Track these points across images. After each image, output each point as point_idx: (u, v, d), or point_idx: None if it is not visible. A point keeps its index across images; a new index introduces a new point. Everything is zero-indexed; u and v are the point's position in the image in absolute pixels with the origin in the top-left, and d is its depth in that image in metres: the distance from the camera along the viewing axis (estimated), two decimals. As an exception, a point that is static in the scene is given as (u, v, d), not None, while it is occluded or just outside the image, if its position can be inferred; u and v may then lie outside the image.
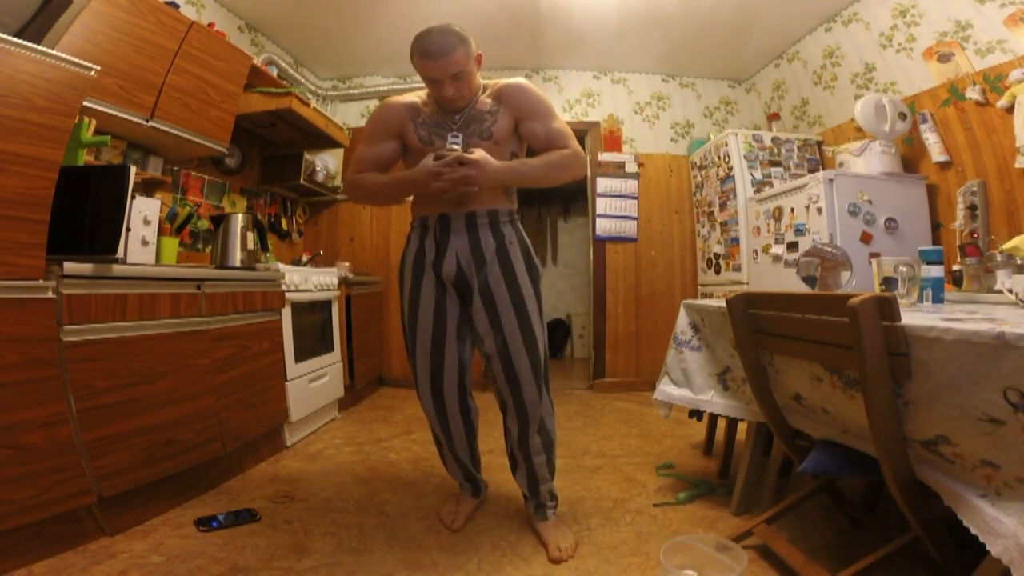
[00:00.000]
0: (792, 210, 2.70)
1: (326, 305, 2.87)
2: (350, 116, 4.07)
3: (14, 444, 1.26)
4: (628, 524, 1.59)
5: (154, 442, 1.60)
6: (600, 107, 4.00)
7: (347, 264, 3.33)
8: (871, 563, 1.09)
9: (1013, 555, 0.73)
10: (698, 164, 3.77)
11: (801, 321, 1.11)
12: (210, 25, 2.53)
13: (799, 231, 2.63)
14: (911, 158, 2.69)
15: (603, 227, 3.87)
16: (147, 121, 2.06)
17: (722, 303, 1.49)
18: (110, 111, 1.90)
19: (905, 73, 2.66)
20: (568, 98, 4.01)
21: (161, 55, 2.10)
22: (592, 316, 3.92)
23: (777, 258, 2.80)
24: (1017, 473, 0.76)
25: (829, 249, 1.74)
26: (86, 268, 1.44)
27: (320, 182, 3.60)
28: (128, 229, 1.64)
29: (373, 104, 4.07)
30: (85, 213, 1.57)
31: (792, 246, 2.68)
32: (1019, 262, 1.57)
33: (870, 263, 1.65)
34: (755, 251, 3.03)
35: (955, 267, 2.00)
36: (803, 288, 1.74)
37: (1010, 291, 1.52)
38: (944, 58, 2.44)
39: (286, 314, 2.38)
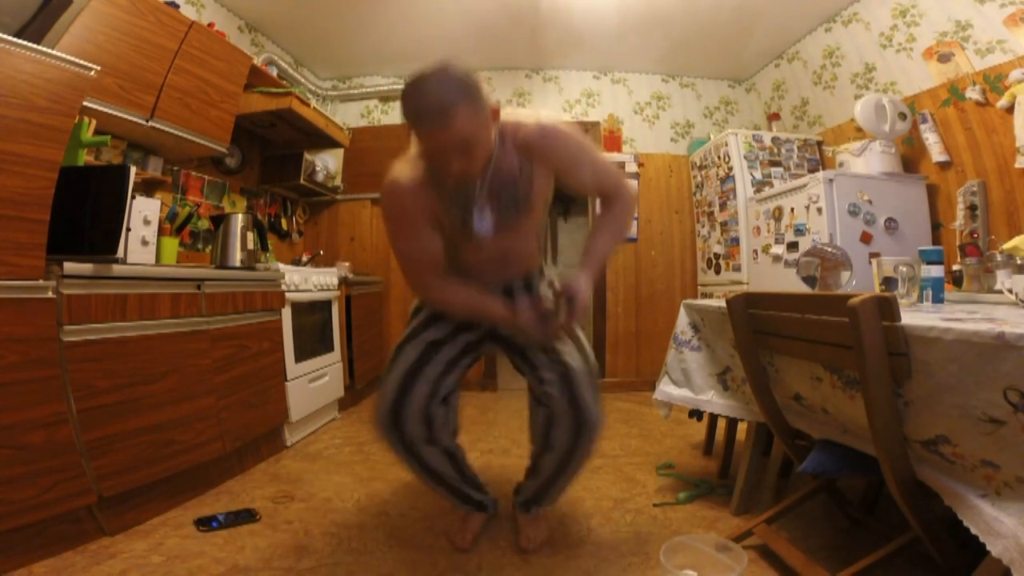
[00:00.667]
0: (792, 210, 2.70)
1: (326, 305, 2.87)
2: (350, 116, 4.06)
3: (14, 444, 1.26)
4: (628, 524, 1.59)
5: (154, 442, 1.60)
6: (600, 107, 4.00)
7: (347, 264, 3.32)
8: (871, 563, 1.09)
9: (1013, 555, 0.73)
10: (698, 164, 3.77)
11: (801, 321, 1.11)
12: (210, 25, 2.53)
13: (799, 231, 2.63)
14: (911, 158, 2.69)
15: (603, 227, 3.86)
16: (147, 121, 2.06)
17: (722, 303, 1.49)
18: (110, 111, 1.90)
19: (905, 73, 2.66)
20: (568, 98, 4.01)
21: (161, 55, 2.10)
22: (592, 316, 3.92)
23: (777, 258, 2.80)
24: (1017, 473, 0.76)
25: (829, 249, 1.74)
26: (86, 268, 1.44)
27: (320, 182, 3.60)
28: (128, 229, 1.64)
29: (373, 104, 4.07)
30: (85, 213, 1.57)
31: (792, 246, 2.68)
32: (1019, 262, 1.57)
33: (870, 263, 1.65)
34: (755, 251, 3.03)
35: (955, 267, 2.00)
36: (803, 288, 1.74)
37: (1010, 291, 1.52)
38: (944, 58, 2.44)
39: (286, 314, 2.38)
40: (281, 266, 2.45)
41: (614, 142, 3.94)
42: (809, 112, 3.45)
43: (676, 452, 2.30)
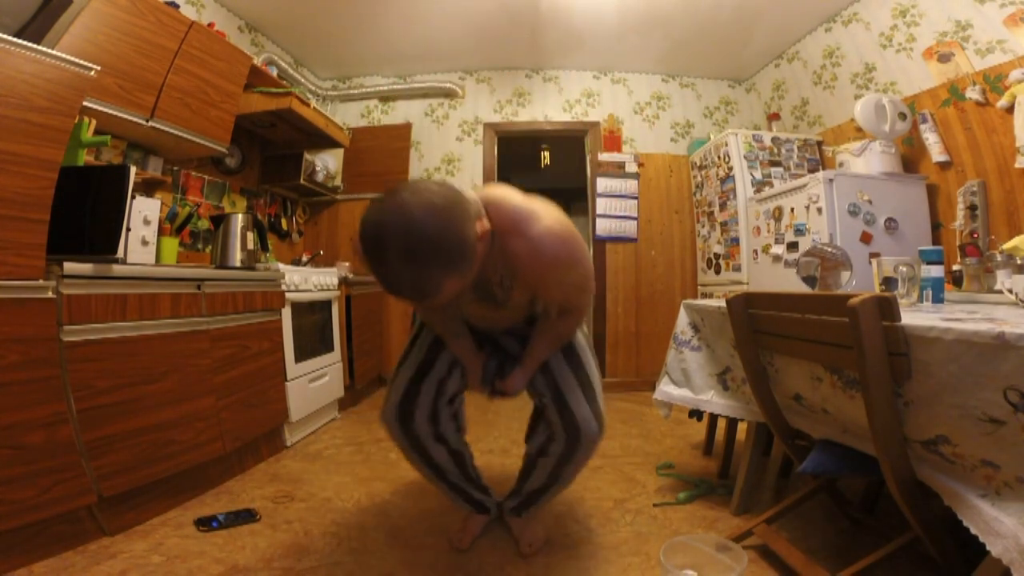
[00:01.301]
0: (792, 210, 2.70)
1: (326, 305, 2.87)
2: (350, 116, 4.07)
3: (14, 444, 1.26)
4: (628, 524, 1.59)
5: (154, 442, 1.60)
6: (600, 107, 4.00)
7: (347, 264, 3.32)
8: (871, 563, 1.09)
9: (1013, 555, 0.73)
10: (698, 164, 3.77)
11: (801, 321, 1.11)
12: (210, 25, 2.53)
13: (799, 231, 2.63)
14: (911, 158, 2.69)
15: (603, 227, 3.87)
16: (147, 121, 2.06)
17: (722, 303, 1.49)
18: (110, 111, 1.90)
19: (905, 73, 2.66)
20: (568, 98, 4.01)
21: (161, 55, 2.10)
22: (592, 316, 3.92)
23: (777, 258, 2.80)
24: (1017, 473, 0.76)
25: (829, 249, 1.74)
26: (86, 268, 1.44)
27: (320, 182, 3.60)
28: (128, 229, 1.64)
29: (373, 104, 4.07)
30: (85, 213, 1.57)
31: (792, 246, 2.68)
32: (1019, 262, 1.57)
33: (870, 263, 1.65)
34: (755, 251, 3.03)
35: (955, 267, 2.00)
36: (803, 288, 1.74)
37: (1010, 291, 1.52)
38: (944, 58, 2.44)
39: (286, 314, 2.38)
40: (281, 266, 2.45)
41: (614, 142, 3.94)
42: (809, 112, 3.45)
43: (676, 452, 2.30)
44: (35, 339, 1.31)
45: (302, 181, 3.36)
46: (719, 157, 3.39)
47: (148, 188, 2.36)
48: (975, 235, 2.24)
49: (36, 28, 1.75)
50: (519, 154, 5.27)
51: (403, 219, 0.81)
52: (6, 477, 1.24)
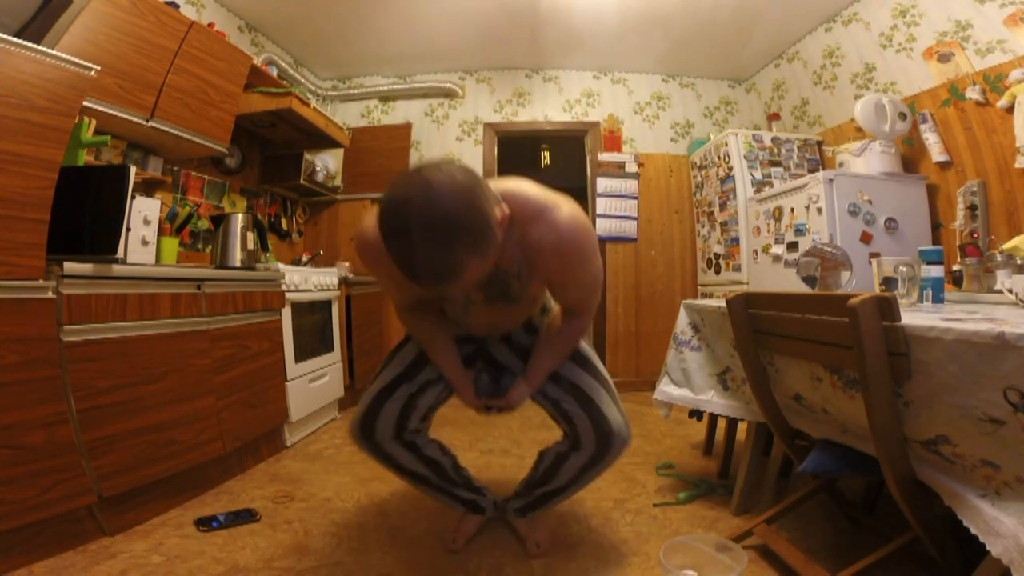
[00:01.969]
0: (792, 210, 2.70)
1: (326, 305, 2.86)
2: (350, 116, 4.06)
3: (14, 444, 1.26)
4: (628, 524, 1.59)
5: (154, 442, 1.60)
6: (600, 107, 4.00)
7: (347, 264, 3.32)
8: (871, 563, 1.09)
9: (1013, 555, 0.73)
10: (698, 164, 3.77)
11: (801, 321, 1.11)
12: (210, 25, 2.53)
13: (799, 231, 2.63)
14: (911, 158, 2.69)
15: (603, 227, 3.87)
16: (147, 121, 2.06)
17: (722, 303, 1.49)
18: (110, 111, 1.90)
19: (905, 73, 2.66)
20: (568, 98, 4.01)
21: (161, 55, 2.10)
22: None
23: (777, 258, 2.80)
24: (1017, 473, 0.76)
25: (829, 249, 1.74)
26: (86, 268, 1.44)
27: (320, 182, 3.60)
28: (128, 229, 1.64)
29: (373, 104, 4.07)
30: (85, 213, 1.57)
31: (792, 246, 2.68)
32: (1019, 262, 1.57)
33: (870, 263, 1.65)
34: (755, 251, 3.03)
35: (955, 267, 2.00)
36: (803, 288, 1.74)
37: (1010, 291, 1.52)
38: (944, 58, 2.44)
39: (286, 314, 2.38)
40: (281, 266, 2.45)
41: (614, 142, 3.94)
42: (809, 112, 3.45)
43: (676, 452, 2.30)
44: (35, 339, 1.31)
45: (302, 181, 3.36)
46: (719, 157, 3.39)
47: (148, 188, 2.36)
48: (975, 235, 2.24)
49: (36, 28, 1.75)
50: (519, 154, 5.27)
51: (427, 195, 0.78)
52: (6, 477, 1.24)
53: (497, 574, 1.32)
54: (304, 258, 3.54)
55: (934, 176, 2.55)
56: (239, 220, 2.26)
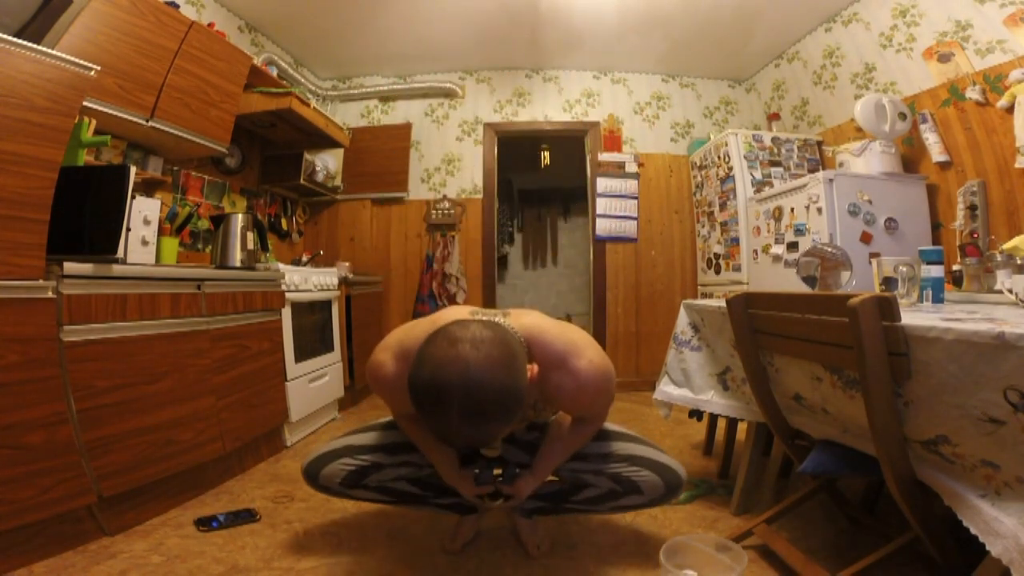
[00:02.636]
0: (792, 210, 2.70)
1: (326, 305, 2.86)
2: (350, 116, 4.07)
3: (14, 444, 1.26)
4: (628, 524, 1.59)
5: (154, 442, 1.60)
6: (600, 107, 4.00)
7: (347, 264, 3.32)
8: (871, 563, 1.09)
9: (1013, 555, 0.73)
10: (698, 164, 3.77)
11: (801, 321, 1.11)
12: (210, 25, 2.53)
13: (799, 231, 2.63)
14: (911, 158, 2.69)
15: (603, 227, 3.87)
16: (147, 121, 2.06)
17: (722, 303, 1.49)
18: (110, 111, 1.90)
19: (905, 73, 2.66)
20: (568, 98, 4.01)
21: (161, 55, 2.10)
22: (592, 316, 3.92)
23: (777, 258, 2.80)
24: (1017, 473, 0.76)
25: (829, 249, 1.74)
26: (86, 268, 1.44)
27: (320, 182, 3.60)
28: (128, 229, 1.64)
29: (373, 104, 4.07)
30: (85, 213, 1.57)
31: (792, 246, 2.68)
32: (1019, 262, 1.57)
33: (870, 263, 1.65)
34: (755, 251, 3.03)
35: (955, 267, 2.00)
36: (803, 288, 1.74)
37: (1010, 291, 1.52)
38: (944, 58, 2.44)
39: (286, 314, 2.38)
40: (281, 266, 2.45)
41: (614, 142, 3.94)
42: (809, 112, 3.45)
43: (676, 452, 2.30)
44: (35, 339, 1.31)
45: (302, 181, 3.36)
46: (719, 157, 3.39)
47: (148, 188, 2.36)
48: (975, 235, 2.24)
49: (36, 28, 1.75)
50: (519, 154, 5.27)
51: (465, 382, 0.81)
52: (6, 477, 1.24)
53: (497, 574, 1.32)
54: (304, 258, 3.54)
55: (934, 176, 2.55)
56: (239, 220, 2.26)
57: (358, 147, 3.93)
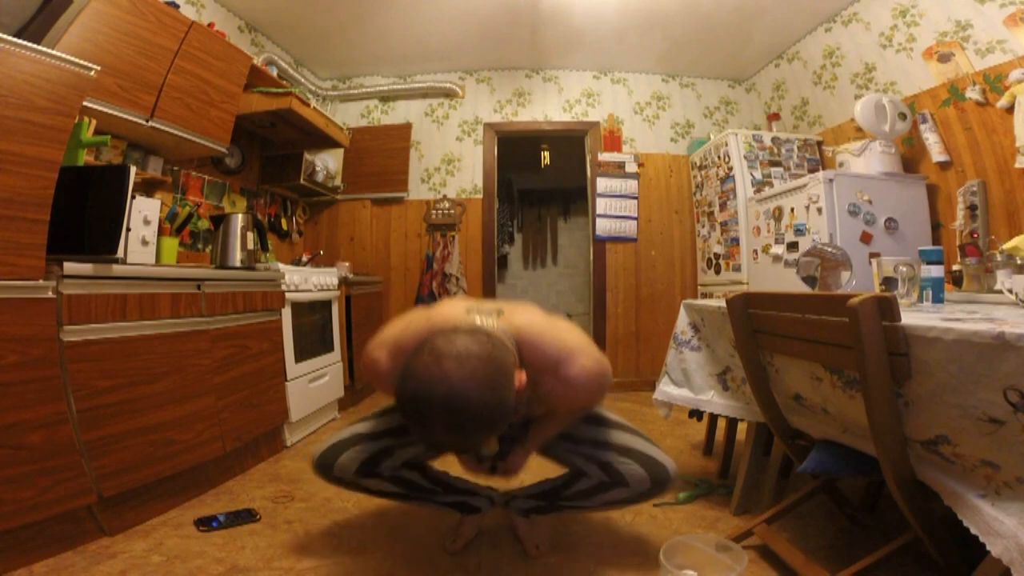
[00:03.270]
0: (792, 210, 2.70)
1: (326, 305, 2.86)
2: (350, 116, 4.07)
3: (14, 444, 1.26)
4: (628, 524, 1.59)
5: (154, 442, 1.60)
6: (600, 107, 4.00)
7: (347, 264, 3.32)
8: (871, 563, 1.09)
9: (1013, 555, 0.73)
10: (698, 164, 3.77)
11: (801, 321, 1.11)
12: (210, 25, 2.53)
13: (799, 231, 2.63)
14: (911, 158, 2.69)
15: (603, 227, 3.87)
16: (147, 121, 2.06)
17: (722, 303, 1.49)
18: (110, 111, 1.90)
19: (905, 73, 2.66)
20: (568, 98, 4.01)
21: (161, 55, 2.10)
22: (592, 316, 3.92)
23: (777, 258, 2.80)
24: (1017, 473, 0.76)
25: (829, 249, 1.74)
26: (86, 268, 1.44)
27: (320, 182, 3.60)
28: (128, 229, 1.64)
29: (373, 104, 4.07)
30: (85, 213, 1.57)
31: (792, 246, 2.68)
32: (1019, 262, 1.57)
33: (870, 263, 1.65)
34: (755, 251, 3.03)
35: (955, 267, 2.00)
36: (803, 288, 1.74)
37: (1010, 291, 1.52)
38: (944, 58, 2.44)
39: (286, 314, 2.38)
40: (281, 266, 2.45)
41: (614, 142, 3.94)
42: (809, 112, 3.45)
43: (676, 452, 2.30)
44: (35, 339, 1.31)
45: (302, 181, 3.36)
46: (719, 157, 3.39)
47: (148, 188, 2.36)
48: (975, 235, 2.24)
49: (36, 28, 1.75)
50: (519, 154, 5.27)
51: (448, 400, 0.82)
52: (6, 477, 1.24)
53: (497, 574, 1.32)
54: (304, 258, 3.54)
55: (934, 176, 2.55)
56: (239, 220, 2.26)
57: (358, 147, 3.93)
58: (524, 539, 1.42)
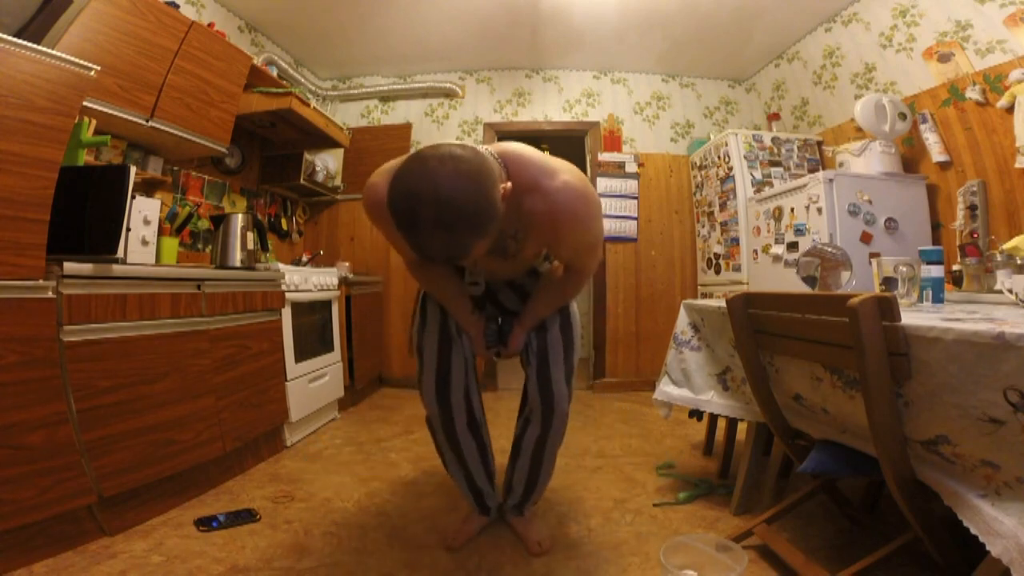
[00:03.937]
0: (792, 210, 2.70)
1: (326, 305, 2.87)
2: (350, 116, 4.07)
3: (14, 444, 1.26)
4: (628, 524, 1.59)
5: (154, 442, 1.60)
6: (600, 107, 4.00)
7: (347, 264, 3.33)
8: (871, 563, 1.09)
9: (1013, 555, 0.73)
10: (698, 164, 3.77)
11: (801, 321, 1.11)
12: (210, 25, 2.53)
13: (799, 231, 2.63)
14: (911, 158, 2.69)
15: (603, 227, 3.86)
16: (147, 121, 2.06)
17: (722, 303, 1.49)
18: (110, 111, 1.90)
19: (905, 73, 2.66)
20: (568, 98, 4.01)
21: (161, 55, 2.10)
22: (592, 316, 3.92)
23: (777, 258, 2.80)
24: (1017, 473, 0.76)
25: (829, 249, 1.74)
26: (86, 268, 1.44)
27: (320, 182, 3.60)
28: (128, 229, 1.64)
29: (373, 104, 4.07)
30: (85, 213, 1.57)
31: (792, 246, 2.68)
32: (1019, 262, 1.57)
33: (870, 263, 1.65)
34: (755, 251, 3.03)
35: (955, 267, 2.00)
36: (803, 288, 1.74)
37: (1010, 291, 1.52)
38: (944, 58, 2.44)
39: (286, 314, 2.38)
40: (281, 266, 2.45)
41: (614, 142, 3.94)
42: (809, 112, 3.45)
43: (676, 452, 2.30)
44: (35, 339, 1.31)
45: (302, 181, 3.36)
46: (719, 157, 3.39)
47: (148, 188, 2.36)
48: (975, 235, 2.24)
49: (36, 28, 1.75)
50: (519, 154, 5.27)
51: (434, 190, 0.82)
52: (6, 477, 1.24)
53: (497, 574, 1.32)
54: (304, 258, 3.54)
55: (934, 176, 2.55)
56: (239, 220, 2.26)
57: (358, 147, 3.93)
58: (525, 538, 1.44)
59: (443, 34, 3.44)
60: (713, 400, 1.71)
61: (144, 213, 2.03)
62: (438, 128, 4.00)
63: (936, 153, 2.48)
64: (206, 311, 1.86)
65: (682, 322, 1.87)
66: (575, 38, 3.49)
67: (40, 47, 1.38)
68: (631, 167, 3.92)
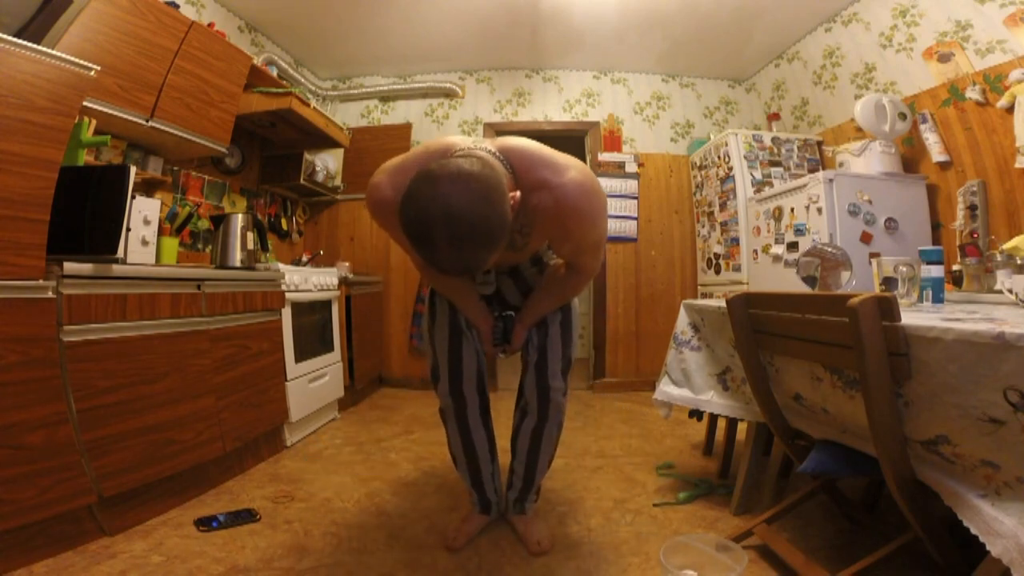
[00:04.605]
0: (792, 210, 2.70)
1: (326, 305, 2.87)
2: (350, 116, 4.07)
3: (14, 444, 1.26)
4: (628, 524, 1.59)
5: (154, 442, 1.60)
6: (600, 107, 4.00)
7: (347, 264, 3.32)
8: (871, 563, 1.09)
9: (1013, 555, 0.73)
10: (698, 164, 3.77)
11: (801, 321, 1.11)
12: (210, 25, 2.53)
13: (799, 231, 2.63)
14: (911, 158, 2.69)
15: (603, 227, 3.86)
16: (147, 121, 2.06)
17: (722, 303, 1.49)
18: (110, 111, 1.90)
19: (905, 73, 2.66)
20: (568, 98, 4.01)
21: (161, 55, 2.10)
22: (592, 316, 3.92)
23: (777, 258, 2.80)
24: (1017, 473, 0.76)
25: (829, 249, 1.74)
26: (86, 268, 1.44)
27: (320, 182, 3.60)
28: (128, 229, 1.64)
29: (373, 104, 4.07)
30: (85, 213, 1.57)
31: (792, 246, 2.68)
32: (1019, 262, 1.57)
33: (870, 263, 1.65)
34: (755, 251, 3.03)
35: (955, 267, 2.00)
36: (803, 288, 1.74)
37: (1010, 291, 1.52)
38: (944, 58, 2.44)
39: (286, 314, 2.38)
40: (281, 266, 2.45)
41: (614, 142, 3.94)
42: (809, 112, 3.45)
43: (676, 452, 2.30)
44: (35, 339, 1.31)
45: (302, 181, 3.36)
46: (719, 157, 3.39)
47: (148, 188, 2.36)
48: (975, 235, 2.24)
49: (36, 28, 1.75)
50: (519, 154, 5.27)
51: (446, 212, 0.85)
52: (6, 477, 1.24)
53: (497, 574, 1.32)
54: (304, 258, 3.54)
55: (934, 176, 2.55)
56: (239, 220, 2.26)
57: (358, 147, 3.93)
58: (525, 538, 1.44)
59: (443, 34, 3.44)
60: (713, 400, 1.71)
61: (144, 213, 2.03)
62: (438, 128, 4.00)
63: (936, 153, 2.48)
64: (206, 311, 1.86)
65: (682, 322, 1.87)
66: (575, 38, 3.49)
67: (40, 47, 1.38)
68: (631, 167, 3.92)
